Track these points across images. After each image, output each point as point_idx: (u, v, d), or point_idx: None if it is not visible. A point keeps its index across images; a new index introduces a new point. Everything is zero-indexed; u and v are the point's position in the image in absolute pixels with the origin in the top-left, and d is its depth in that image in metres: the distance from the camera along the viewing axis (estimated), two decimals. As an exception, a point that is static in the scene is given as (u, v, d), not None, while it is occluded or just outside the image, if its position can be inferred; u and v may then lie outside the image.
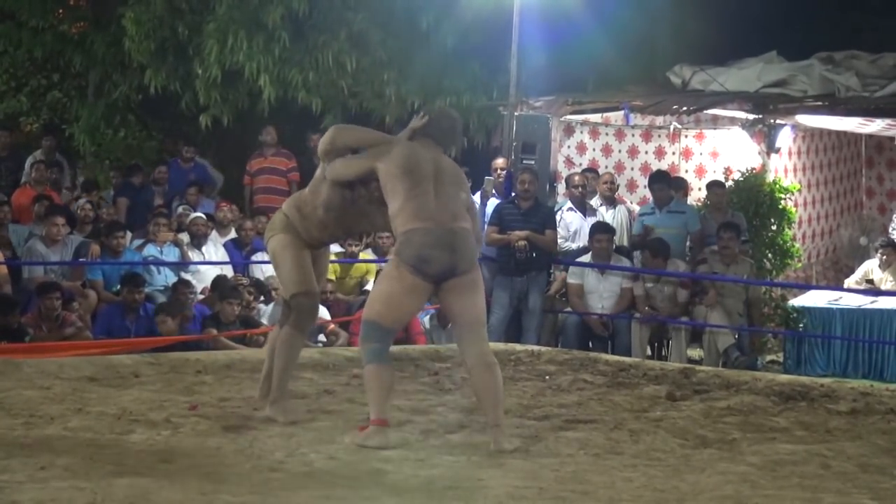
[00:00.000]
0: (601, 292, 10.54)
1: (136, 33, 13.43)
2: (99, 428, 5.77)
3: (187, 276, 10.34)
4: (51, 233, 10.03)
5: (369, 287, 10.57)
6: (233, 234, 11.25)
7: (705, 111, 12.30)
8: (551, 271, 10.87)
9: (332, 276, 10.75)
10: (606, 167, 12.68)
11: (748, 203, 11.39)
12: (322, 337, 10.02)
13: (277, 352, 6.31)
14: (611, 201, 11.59)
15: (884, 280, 11.27)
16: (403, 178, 5.76)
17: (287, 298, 6.35)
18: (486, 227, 10.43)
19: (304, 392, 7.11)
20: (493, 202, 10.81)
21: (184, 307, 9.65)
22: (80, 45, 14.83)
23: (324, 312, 10.00)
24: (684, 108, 11.91)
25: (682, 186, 11.89)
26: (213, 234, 10.97)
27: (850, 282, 11.59)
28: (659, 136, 13.03)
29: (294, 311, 6.27)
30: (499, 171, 11.30)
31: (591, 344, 10.48)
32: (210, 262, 10.56)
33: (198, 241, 10.69)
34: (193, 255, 10.63)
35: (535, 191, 10.47)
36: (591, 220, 11.11)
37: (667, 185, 11.35)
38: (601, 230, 10.57)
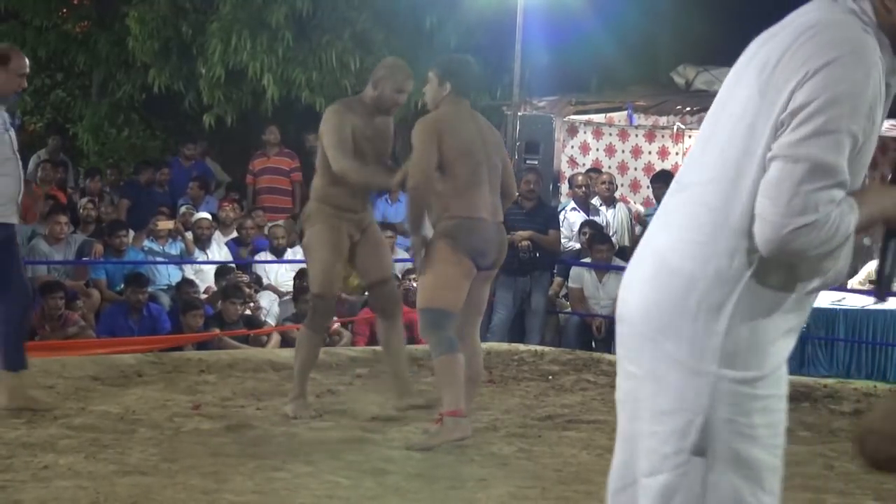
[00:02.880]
0: (599, 299, 10.50)
1: (140, 33, 13.44)
2: (102, 427, 5.77)
3: (191, 277, 10.34)
4: (54, 231, 10.03)
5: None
6: (235, 234, 11.25)
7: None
8: (553, 272, 10.85)
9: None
10: (610, 167, 12.68)
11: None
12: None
13: (296, 350, 6.43)
14: (610, 201, 11.58)
15: (887, 281, 11.24)
16: (462, 161, 5.74)
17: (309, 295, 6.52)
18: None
19: (306, 391, 7.12)
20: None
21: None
22: (83, 45, 14.85)
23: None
24: (688, 109, 11.91)
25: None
26: (216, 233, 10.97)
27: (853, 282, 11.58)
28: (662, 136, 13.03)
29: (310, 309, 6.38)
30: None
31: (593, 344, 10.48)
32: (213, 261, 10.55)
33: (202, 244, 10.68)
34: (198, 257, 10.62)
35: (539, 191, 10.47)
36: (595, 220, 11.11)
37: (667, 184, 11.33)
38: (600, 241, 10.53)
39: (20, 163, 6.20)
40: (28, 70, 6.21)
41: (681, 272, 2.35)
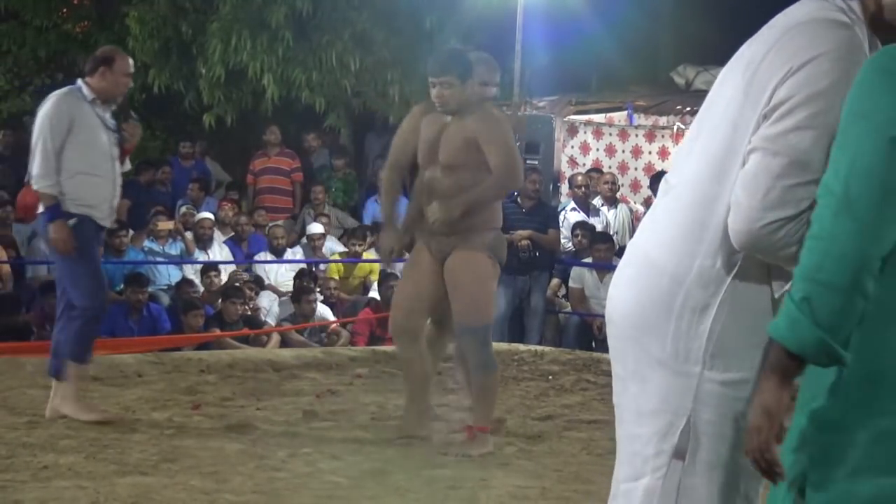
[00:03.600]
0: (600, 299, 10.48)
1: (140, 33, 13.43)
2: (102, 427, 5.77)
3: (191, 277, 10.33)
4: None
5: (374, 288, 10.56)
6: (233, 233, 11.25)
7: (709, 111, 12.31)
8: (552, 272, 10.83)
9: (335, 276, 10.76)
10: (610, 167, 12.67)
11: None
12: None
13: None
14: (612, 201, 11.57)
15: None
16: None
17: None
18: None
19: (306, 391, 7.12)
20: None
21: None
22: (83, 45, 14.81)
23: (327, 312, 10.00)
24: (688, 109, 11.92)
25: None
26: (216, 233, 10.97)
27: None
28: (663, 136, 13.02)
29: None
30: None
31: (594, 344, 10.47)
32: (214, 261, 10.55)
33: (203, 243, 10.67)
34: (199, 256, 10.60)
35: (541, 190, 10.46)
36: (595, 221, 11.10)
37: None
38: (601, 240, 10.51)
39: (117, 166, 6.10)
40: (133, 70, 6.18)
41: (665, 272, 2.34)
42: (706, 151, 2.34)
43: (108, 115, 6.10)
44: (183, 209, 11.54)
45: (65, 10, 15.11)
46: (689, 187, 2.36)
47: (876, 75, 2.04)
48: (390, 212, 5.88)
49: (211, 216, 11.00)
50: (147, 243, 10.51)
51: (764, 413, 2.06)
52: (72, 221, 5.81)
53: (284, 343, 9.43)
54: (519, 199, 10.40)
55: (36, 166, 5.90)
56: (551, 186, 11.65)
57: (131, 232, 10.64)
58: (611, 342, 2.53)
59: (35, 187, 5.95)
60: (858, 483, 2.04)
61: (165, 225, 10.55)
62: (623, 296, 2.46)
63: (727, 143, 2.29)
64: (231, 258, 10.79)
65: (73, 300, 5.88)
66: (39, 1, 14.54)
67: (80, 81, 6.09)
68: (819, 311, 1.99)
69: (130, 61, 6.19)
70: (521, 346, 9.26)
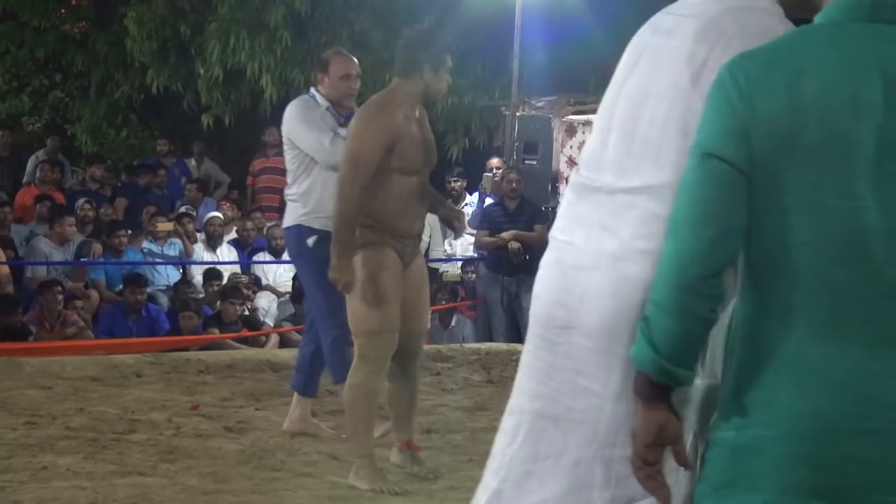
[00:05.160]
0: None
1: (138, 33, 13.45)
2: (101, 427, 5.77)
3: (191, 278, 10.32)
4: (63, 234, 10.01)
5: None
6: (234, 234, 11.23)
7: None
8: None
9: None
10: (608, 167, 12.66)
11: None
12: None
13: None
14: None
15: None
16: None
17: None
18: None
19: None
20: (489, 201, 10.79)
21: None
22: (81, 45, 14.85)
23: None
24: (686, 109, 11.92)
25: None
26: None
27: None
28: (661, 136, 13.03)
29: None
30: (494, 171, 11.29)
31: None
32: (215, 262, 10.54)
33: (213, 242, 10.65)
34: (209, 256, 10.58)
35: (521, 190, 10.37)
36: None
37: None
38: None
39: None
40: (353, 70, 5.76)
41: (647, 286, 2.23)
42: (657, 155, 2.27)
43: (333, 122, 5.73)
44: (182, 209, 11.53)
45: (63, 10, 15.14)
46: (647, 195, 2.29)
47: (712, 87, 1.97)
48: (352, 239, 4.86)
49: (220, 215, 11.00)
50: (146, 244, 10.50)
51: (632, 436, 2.02)
52: (311, 240, 5.63)
53: (283, 343, 9.42)
54: (504, 201, 10.35)
55: (291, 174, 5.74)
56: (550, 187, 11.65)
57: (129, 233, 10.63)
58: (580, 354, 2.37)
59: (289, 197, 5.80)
60: (723, 500, 1.99)
61: (165, 226, 10.54)
62: (595, 308, 2.34)
63: (679, 144, 2.23)
64: (236, 258, 10.77)
65: (316, 320, 5.85)
66: (38, 1, 14.55)
67: (312, 90, 5.88)
68: (653, 332, 1.95)
69: (351, 61, 5.81)
70: (520, 347, 9.24)
